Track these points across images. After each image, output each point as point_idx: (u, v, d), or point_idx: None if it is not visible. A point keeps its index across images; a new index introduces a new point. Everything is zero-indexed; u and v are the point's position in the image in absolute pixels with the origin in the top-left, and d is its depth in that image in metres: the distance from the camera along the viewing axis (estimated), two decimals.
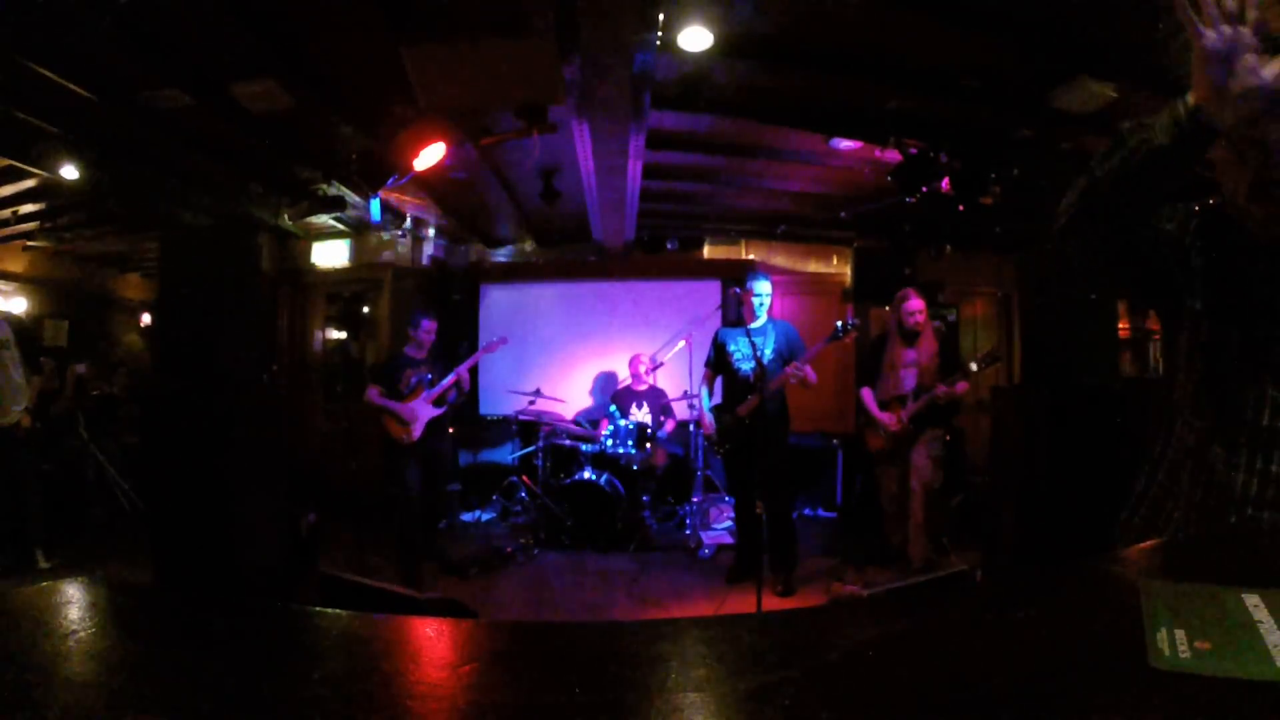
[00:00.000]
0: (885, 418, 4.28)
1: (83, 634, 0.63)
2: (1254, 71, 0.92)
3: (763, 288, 4.16)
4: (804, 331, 4.39)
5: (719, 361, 4.31)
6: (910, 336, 4.28)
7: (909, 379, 4.26)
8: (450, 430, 4.77)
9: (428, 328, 4.43)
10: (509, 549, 4.87)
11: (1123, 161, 1.08)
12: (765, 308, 4.16)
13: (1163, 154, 1.03)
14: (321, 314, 7.04)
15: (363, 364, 6.49)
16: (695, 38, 3.01)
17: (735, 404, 4.17)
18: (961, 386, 4.10)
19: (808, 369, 3.96)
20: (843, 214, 5.73)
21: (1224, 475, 1.08)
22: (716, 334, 4.41)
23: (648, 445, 5.27)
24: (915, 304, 4.28)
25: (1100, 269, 1.25)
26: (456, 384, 4.40)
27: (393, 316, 6.43)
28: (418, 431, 4.28)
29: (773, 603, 3.82)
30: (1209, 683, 0.47)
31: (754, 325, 4.09)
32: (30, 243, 6.60)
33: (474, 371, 4.86)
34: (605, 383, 6.54)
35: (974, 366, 4.10)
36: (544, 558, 4.90)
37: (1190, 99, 0.99)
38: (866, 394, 4.43)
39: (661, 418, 5.54)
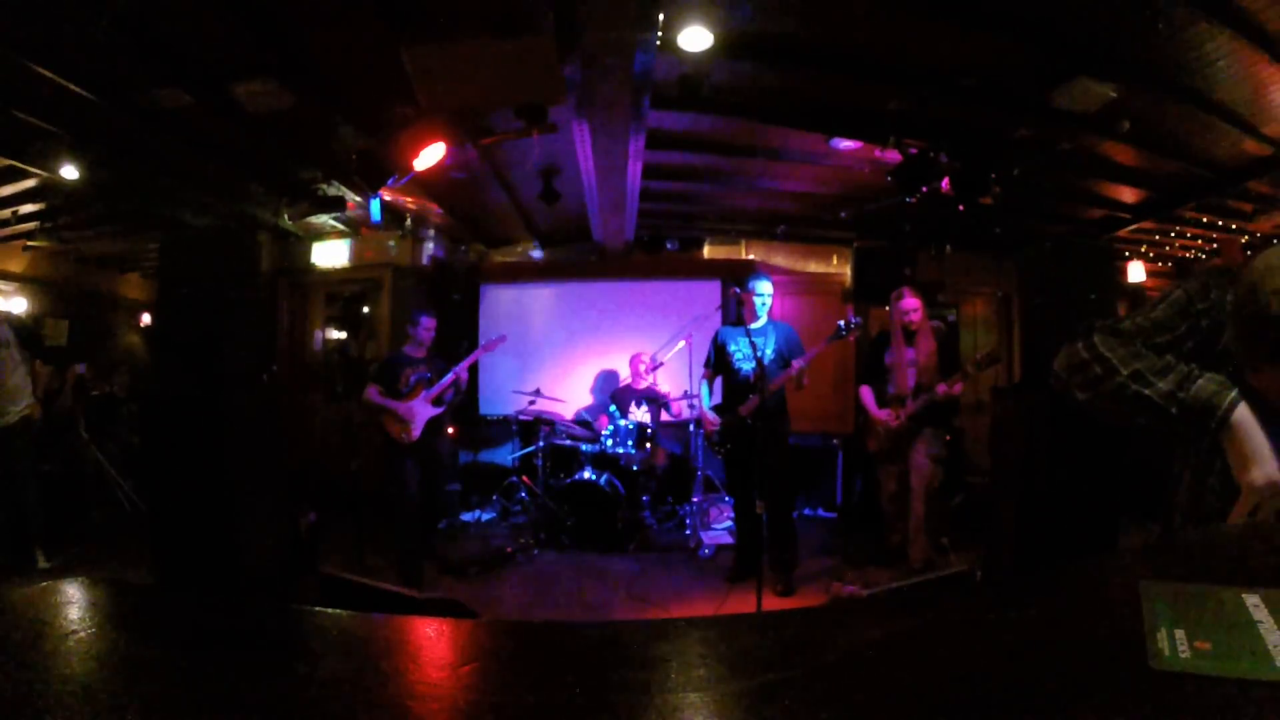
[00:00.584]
0: (884, 415, 4.28)
1: (83, 634, 0.63)
2: None
3: (764, 288, 4.15)
4: (804, 331, 4.39)
5: (719, 362, 4.31)
6: (909, 335, 4.29)
7: (909, 378, 4.26)
8: (450, 430, 4.75)
9: (427, 325, 4.43)
10: (509, 549, 4.87)
11: (1135, 395, 1.17)
12: (766, 308, 4.16)
13: (1165, 412, 1.14)
14: (321, 314, 7.04)
15: (362, 363, 6.49)
16: (695, 38, 3.01)
17: (735, 404, 4.17)
18: (958, 387, 4.10)
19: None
20: (843, 214, 5.73)
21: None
22: (716, 334, 4.40)
23: (648, 445, 5.27)
24: (910, 303, 4.29)
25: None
26: (454, 383, 4.40)
27: (393, 316, 6.43)
28: (417, 431, 4.28)
29: (773, 603, 3.81)
30: (1209, 683, 0.47)
31: (754, 326, 4.08)
32: (30, 243, 6.59)
33: (474, 371, 4.86)
34: (605, 382, 6.54)
35: (970, 369, 4.10)
36: (544, 558, 4.90)
37: (1233, 418, 1.07)
38: (866, 393, 4.43)
39: (662, 411, 5.57)
